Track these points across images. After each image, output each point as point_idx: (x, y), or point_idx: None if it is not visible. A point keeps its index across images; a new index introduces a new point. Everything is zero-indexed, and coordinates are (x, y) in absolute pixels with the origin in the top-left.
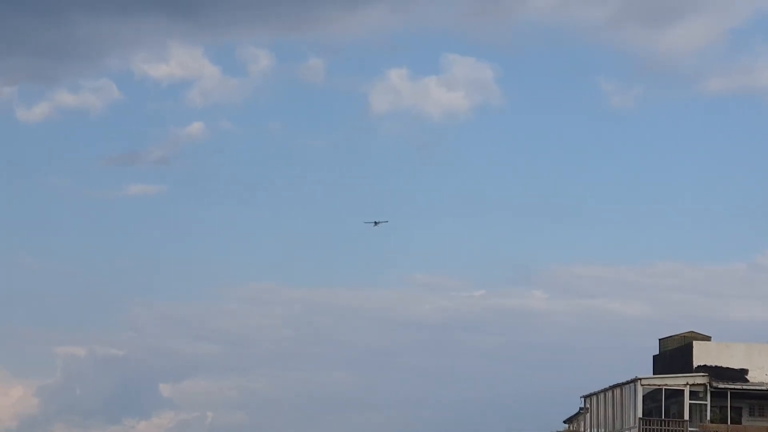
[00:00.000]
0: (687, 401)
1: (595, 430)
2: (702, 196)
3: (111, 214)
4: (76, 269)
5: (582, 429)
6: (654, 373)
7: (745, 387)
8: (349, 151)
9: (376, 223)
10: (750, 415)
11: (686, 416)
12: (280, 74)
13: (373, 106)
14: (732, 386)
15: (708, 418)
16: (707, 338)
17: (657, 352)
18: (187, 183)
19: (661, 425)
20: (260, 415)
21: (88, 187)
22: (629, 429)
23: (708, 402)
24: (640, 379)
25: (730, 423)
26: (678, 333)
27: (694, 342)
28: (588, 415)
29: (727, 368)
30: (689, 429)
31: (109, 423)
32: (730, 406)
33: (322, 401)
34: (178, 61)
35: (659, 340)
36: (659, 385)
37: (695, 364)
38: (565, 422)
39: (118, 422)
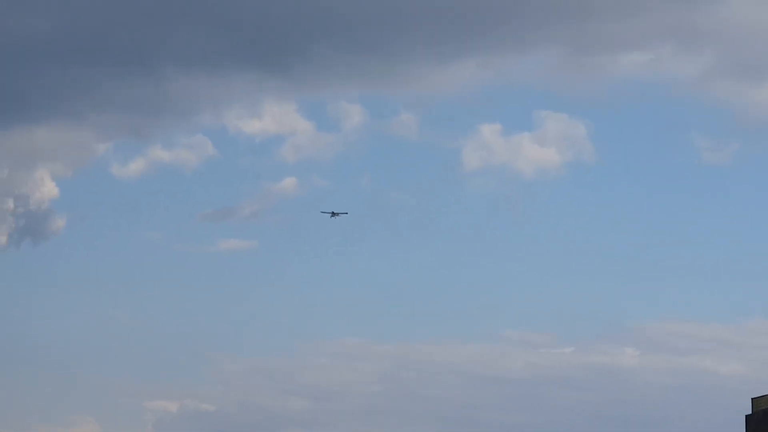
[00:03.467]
0: None
1: None
2: None
3: (203, 269)
4: (168, 323)
5: None
6: None
7: None
8: (440, 206)
9: (333, 213)
10: None
11: None
12: (372, 129)
13: (464, 162)
14: None
15: None
16: None
17: (750, 412)
18: (278, 238)
19: None
20: None
21: (181, 242)
22: None
23: None
24: None
25: None
26: None
27: None
28: None
29: None
30: None
31: None
32: None
33: None
34: (272, 116)
35: (752, 399)
36: None
37: None
38: None
39: None
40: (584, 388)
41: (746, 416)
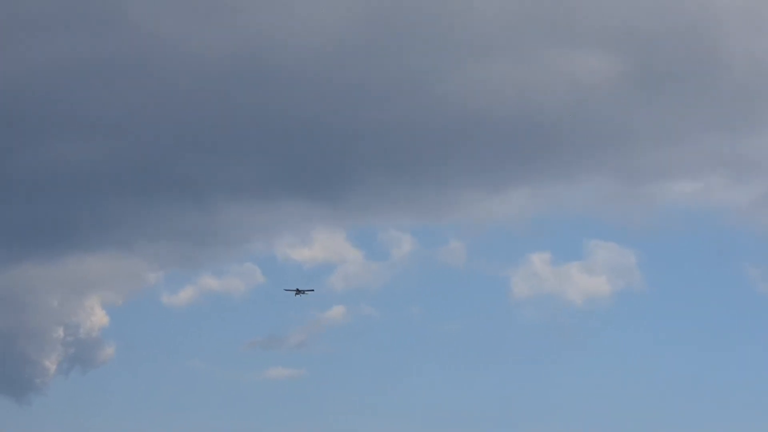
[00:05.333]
0: None
1: None
2: None
3: (251, 398)
4: None
5: None
6: None
7: None
8: (489, 335)
9: (298, 291)
10: None
11: None
12: (422, 258)
13: (514, 291)
14: None
15: None
16: None
17: None
18: (326, 367)
19: None
20: None
21: (229, 371)
22: None
23: None
24: None
25: None
26: None
27: None
28: None
29: None
30: None
31: None
32: None
33: None
34: (322, 245)
35: None
36: None
37: None
38: None
39: None
40: None
41: None
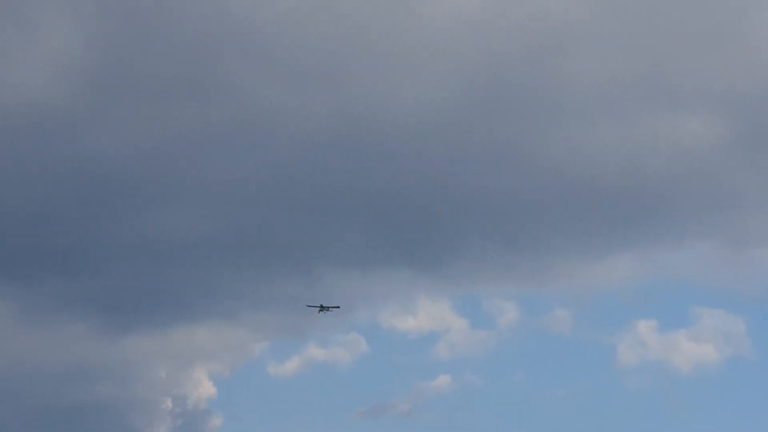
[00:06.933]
0: None
1: None
2: None
3: None
4: None
5: None
6: None
7: None
8: (595, 404)
9: (322, 307)
10: None
11: None
12: (527, 326)
13: (620, 359)
14: None
15: None
16: None
17: None
18: None
19: None
20: None
21: None
22: None
23: None
24: None
25: None
26: None
27: None
28: None
29: None
30: None
31: None
32: None
33: None
34: (426, 313)
35: None
36: None
37: None
38: None
39: None
40: None
41: None
